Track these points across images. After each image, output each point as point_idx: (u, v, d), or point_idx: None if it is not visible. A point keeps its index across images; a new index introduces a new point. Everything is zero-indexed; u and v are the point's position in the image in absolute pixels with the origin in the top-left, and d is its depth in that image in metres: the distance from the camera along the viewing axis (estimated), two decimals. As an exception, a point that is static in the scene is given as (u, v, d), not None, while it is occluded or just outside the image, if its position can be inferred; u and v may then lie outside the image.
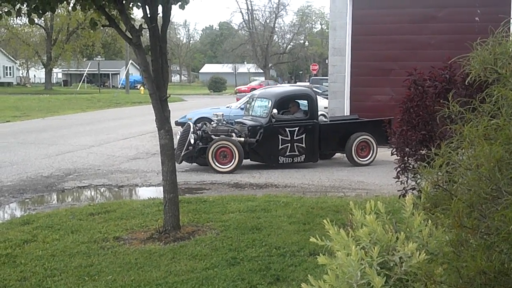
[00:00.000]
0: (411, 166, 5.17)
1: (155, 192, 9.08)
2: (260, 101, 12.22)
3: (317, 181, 10.04)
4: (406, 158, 5.29)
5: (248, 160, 11.56)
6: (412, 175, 5.04)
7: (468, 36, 1.88)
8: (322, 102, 20.05)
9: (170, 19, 6.40)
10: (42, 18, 41.91)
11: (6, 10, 5.99)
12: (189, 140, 11.25)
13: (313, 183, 9.82)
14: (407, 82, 5.43)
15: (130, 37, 5.97)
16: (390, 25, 14.39)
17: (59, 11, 43.53)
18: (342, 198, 7.95)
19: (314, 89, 24.96)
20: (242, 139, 11.35)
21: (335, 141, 11.87)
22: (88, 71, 62.73)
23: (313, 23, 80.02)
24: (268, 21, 70.78)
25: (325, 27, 70.30)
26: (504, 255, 1.59)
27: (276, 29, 73.20)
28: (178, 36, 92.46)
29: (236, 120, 12.45)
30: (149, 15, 5.93)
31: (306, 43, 77.47)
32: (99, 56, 59.24)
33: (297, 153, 11.41)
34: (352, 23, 14.54)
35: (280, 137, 11.31)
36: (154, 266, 5.13)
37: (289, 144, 11.37)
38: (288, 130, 11.34)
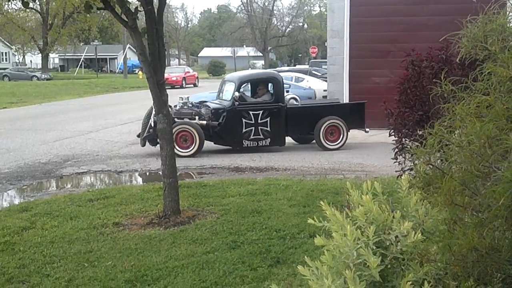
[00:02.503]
0: (408, 146, 5.18)
1: (155, 177, 9.10)
2: (228, 84, 12.10)
3: (317, 163, 10.05)
4: (403, 139, 5.29)
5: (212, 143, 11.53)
6: (410, 156, 5.05)
7: (466, 18, 1.87)
8: (321, 85, 20.09)
9: (167, 1, 6.34)
10: (38, 2, 41.60)
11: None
12: (150, 123, 11.17)
13: (313, 166, 9.83)
14: (405, 62, 5.42)
15: (126, 20, 5.92)
16: (388, 6, 14.29)
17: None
18: (342, 180, 7.97)
19: (314, 71, 24.97)
20: (204, 122, 11.25)
21: (303, 125, 11.69)
22: (85, 56, 62.39)
23: (311, 5, 79.64)
24: (266, 3, 70.39)
25: (324, 10, 69.85)
26: (495, 231, 1.60)
27: (275, 11, 72.85)
28: (176, 20, 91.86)
29: (204, 103, 12.28)
30: (144, -3, 5.88)
31: (305, 25, 77.10)
32: (96, 41, 58.88)
33: (261, 136, 11.30)
34: (350, 5, 14.43)
35: (243, 120, 11.22)
36: (154, 251, 5.15)
37: (253, 128, 11.28)
38: (252, 113, 11.25)
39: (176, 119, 11.14)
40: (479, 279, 1.74)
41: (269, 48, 71.87)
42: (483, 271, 1.68)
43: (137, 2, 6.06)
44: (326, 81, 16.88)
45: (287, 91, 13.22)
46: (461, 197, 1.63)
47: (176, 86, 37.37)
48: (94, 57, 60.72)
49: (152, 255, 5.02)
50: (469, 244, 1.59)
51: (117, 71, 61.34)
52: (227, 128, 11.29)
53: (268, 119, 11.27)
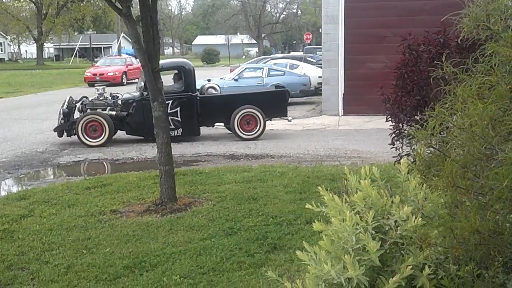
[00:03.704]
0: (406, 132, 5.17)
1: (151, 165, 9.07)
2: (141, 75, 12.15)
3: (313, 150, 10.05)
4: (400, 124, 5.28)
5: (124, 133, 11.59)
6: (407, 141, 5.04)
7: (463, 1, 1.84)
8: (316, 72, 20.03)
9: (160, -12, 6.28)
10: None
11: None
12: (60, 113, 11.38)
13: (309, 153, 9.83)
14: (402, 47, 5.38)
15: (120, 7, 5.87)
16: (384, -9, 14.20)
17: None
18: (338, 167, 7.97)
19: (308, 58, 24.87)
20: (114, 112, 11.31)
21: (217, 115, 11.48)
22: (79, 45, 61.99)
23: (305, -9, 79.07)
24: (260, -10, 69.91)
25: (318, -4, 69.46)
26: (498, 214, 1.59)
27: (269, -2, 72.37)
28: (170, 8, 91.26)
29: (117, 95, 12.28)
30: (138, -15, 5.82)
31: (299, 12, 76.70)
32: (90, 30, 58.46)
33: (173, 126, 11.04)
34: (345, -11, 14.34)
35: None
36: (152, 238, 5.16)
37: None
38: None
39: (89, 110, 11.34)
40: (481, 262, 1.74)
41: (263, 35, 71.51)
42: (485, 254, 1.67)
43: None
44: (321, 67, 16.83)
45: (209, 80, 13.09)
46: (462, 180, 1.62)
47: (114, 83, 27.91)
48: (89, 46, 60.29)
49: (150, 242, 5.03)
50: (471, 227, 1.58)
51: (111, 60, 60.85)
52: (136, 119, 11.26)
53: (177, 108, 11.15)
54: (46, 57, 66.95)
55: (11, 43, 67.82)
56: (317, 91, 18.58)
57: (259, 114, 11.39)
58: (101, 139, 11.04)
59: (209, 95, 11.88)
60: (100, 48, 72.63)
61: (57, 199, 6.68)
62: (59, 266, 4.56)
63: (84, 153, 10.46)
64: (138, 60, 29.38)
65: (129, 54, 59.80)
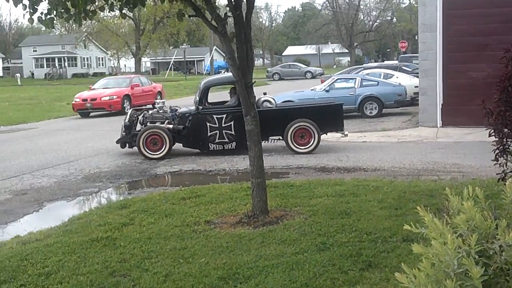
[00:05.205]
0: (510, 147, 4.87)
1: (242, 176, 9.22)
2: (198, 89, 12.29)
3: (409, 164, 9.71)
4: (505, 140, 4.98)
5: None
6: (512, 157, 4.75)
7: None
8: (412, 81, 19.43)
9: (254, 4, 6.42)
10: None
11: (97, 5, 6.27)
12: (123, 126, 11.86)
13: (405, 166, 9.51)
14: (504, 59, 5.09)
15: (216, 25, 6.06)
16: (485, -3, 13.53)
17: (146, 2, 44.85)
18: (436, 182, 7.64)
19: (403, 67, 24.18)
20: (171, 126, 11.56)
21: (271, 128, 11.25)
22: (174, 59, 64.65)
23: (400, -2, 77.23)
24: (352, -1, 69.28)
25: (414, 2, 67.53)
26: None
27: (361, 6, 71.58)
28: (260, 20, 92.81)
29: (175, 108, 12.48)
30: (233, 3, 5.98)
31: (394, 19, 75.02)
32: (184, 44, 60.78)
33: (226, 140, 11.30)
34: (443, -4, 13.84)
35: (208, 124, 11.31)
36: (245, 250, 5.22)
37: (218, 131, 11.33)
38: (216, 117, 11.31)
39: (149, 123, 11.75)
40: None
41: (355, 44, 70.66)
42: None
43: (225, 7, 6.18)
44: (417, 76, 16.31)
45: (265, 93, 12.98)
46: None
47: (111, 111, 21.92)
48: (183, 59, 62.78)
49: (243, 254, 5.09)
50: None
51: (204, 73, 63.06)
52: (192, 132, 11.52)
53: (232, 122, 11.25)
54: (143, 70, 70.43)
55: (111, 58, 71.90)
56: (413, 102, 18.02)
57: (313, 128, 11.30)
58: (161, 152, 11.46)
59: (263, 108, 11.94)
60: (193, 61, 75.43)
61: (155, 209, 6.97)
62: (158, 274, 4.73)
63: (179, 164, 10.86)
64: (149, 81, 25.93)
65: (221, 67, 61.79)
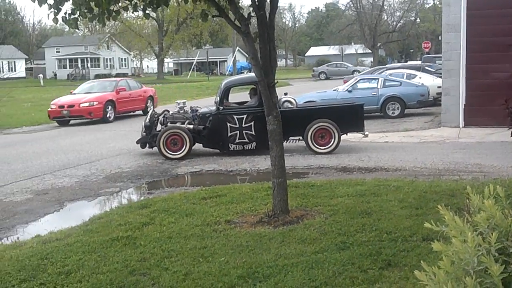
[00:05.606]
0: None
1: (263, 176, 9.23)
2: (219, 89, 12.25)
3: (430, 164, 9.62)
4: (529, 139, 4.91)
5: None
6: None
7: None
8: (435, 81, 19.22)
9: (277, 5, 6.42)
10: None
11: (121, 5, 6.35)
12: (143, 126, 11.97)
13: (426, 166, 9.42)
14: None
15: (239, 25, 6.09)
16: (509, -4, 13.33)
17: (170, 2, 45.21)
18: (458, 182, 7.56)
19: (427, 67, 23.94)
20: (191, 126, 11.61)
21: (291, 128, 11.16)
22: (197, 59, 64.97)
23: (424, -2, 76.38)
24: (376, -1, 68.79)
25: (438, 2, 66.72)
26: None
27: (385, 7, 71.01)
28: (284, 20, 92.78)
29: (196, 108, 12.51)
30: (257, 3, 6.00)
31: (418, 20, 74.26)
32: (207, 45, 61.05)
33: (246, 140, 11.33)
34: (468, -4, 13.68)
35: (228, 124, 11.34)
36: (265, 249, 5.23)
37: (238, 132, 11.35)
38: (236, 117, 11.34)
39: (169, 123, 11.84)
40: None
41: (378, 44, 70.13)
42: None
43: (248, 7, 6.20)
44: (440, 77, 16.14)
45: (285, 94, 12.91)
46: None
47: (91, 119, 19.95)
48: (205, 60, 63.08)
49: (263, 253, 5.10)
50: None
51: (226, 73, 63.29)
52: (212, 132, 11.57)
53: (252, 123, 11.30)
54: (165, 71, 71.03)
55: (134, 59, 72.63)
56: (436, 102, 17.83)
57: (333, 128, 11.27)
58: (182, 152, 11.54)
59: (284, 109, 11.85)
60: (216, 61, 75.75)
61: (176, 208, 7.00)
62: (178, 273, 4.76)
63: (200, 164, 10.92)
64: (139, 84, 23.88)
65: (243, 68, 61.92)
